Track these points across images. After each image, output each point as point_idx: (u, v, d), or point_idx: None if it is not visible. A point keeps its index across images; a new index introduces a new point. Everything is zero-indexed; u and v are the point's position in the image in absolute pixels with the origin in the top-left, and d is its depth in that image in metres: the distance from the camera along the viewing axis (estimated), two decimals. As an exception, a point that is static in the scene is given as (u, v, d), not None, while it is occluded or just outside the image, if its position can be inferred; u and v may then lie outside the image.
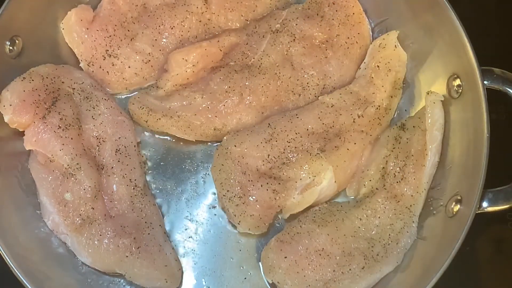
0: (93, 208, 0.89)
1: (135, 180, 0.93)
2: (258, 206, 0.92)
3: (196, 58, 0.97)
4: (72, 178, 0.89)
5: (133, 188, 0.92)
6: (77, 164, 0.89)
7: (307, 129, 0.96)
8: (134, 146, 0.95)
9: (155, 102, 0.97)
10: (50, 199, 0.90)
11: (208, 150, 1.00)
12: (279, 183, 0.93)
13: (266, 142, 0.95)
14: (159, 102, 0.97)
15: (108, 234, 0.89)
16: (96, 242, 0.88)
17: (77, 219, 0.89)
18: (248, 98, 0.98)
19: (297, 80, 1.00)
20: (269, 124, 0.96)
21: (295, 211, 0.94)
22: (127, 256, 0.88)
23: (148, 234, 0.90)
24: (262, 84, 0.98)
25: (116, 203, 0.91)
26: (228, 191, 0.92)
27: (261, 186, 0.92)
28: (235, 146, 0.95)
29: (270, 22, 1.02)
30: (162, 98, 0.98)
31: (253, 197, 0.92)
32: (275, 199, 0.92)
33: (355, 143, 0.96)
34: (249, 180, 0.93)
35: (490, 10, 1.13)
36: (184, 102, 0.97)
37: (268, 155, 0.94)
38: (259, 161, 0.94)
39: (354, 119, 0.97)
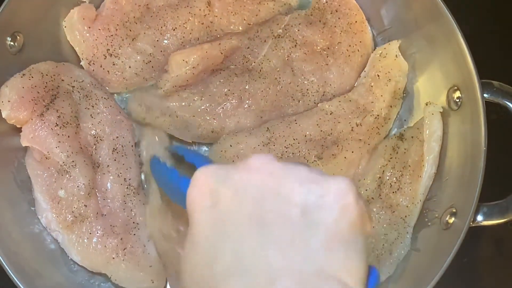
0: (86, 206, 0.89)
1: (129, 179, 0.93)
2: None
3: (197, 60, 0.97)
4: (67, 175, 0.90)
5: (127, 187, 0.92)
6: (73, 161, 0.90)
7: (305, 136, 0.96)
8: (132, 145, 0.95)
9: (154, 100, 0.97)
10: (44, 196, 0.90)
11: (204, 152, 1.00)
12: None
13: (263, 146, 0.94)
14: (158, 100, 0.97)
15: (97, 233, 0.89)
16: (85, 240, 0.89)
17: (69, 216, 0.89)
18: (247, 102, 0.97)
19: (297, 86, 1.00)
20: (267, 128, 0.96)
21: None
22: (113, 258, 0.89)
23: (134, 235, 0.91)
24: (262, 89, 0.98)
25: (109, 201, 0.91)
26: None
27: None
28: (230, 146, 0.95)
29: (272, 27, 1.01)
30: (161, 97, 0.97)
31: None
32: None
33: (352, 152, 0.96)
34: None
35: (491, 23, 1.12)
36: (183, 103, 0.97)
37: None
38: None
39: (352, 127, 0.97)
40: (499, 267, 1.04)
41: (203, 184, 0.55)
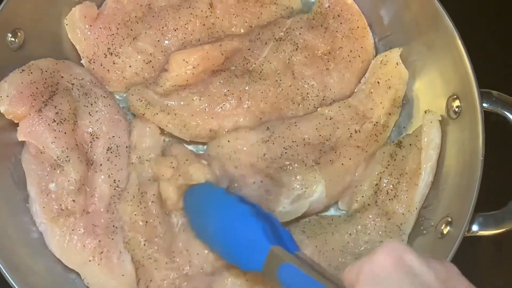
0: (74, 201, 0.90)
1: (118, 181, 0.93)
2: None
3: (197, 60, 0.97)
4: (59, 170, 0.90)
5: (115, 189, 0.92)
6: (67, 157, 0.90)
7: (304, 139, 0.95)
8: (126, 147, 0.95)
9: (154, 96, 0.97)
10: (35, 188, 0.90)
11: (201, 151, 1.00)
12: (274, 184, 0.92)
13: (262, 143, 0.94)
14: (158, 97, 0.97)
15: (79, 230, 0.89)
16: (67, 236, 0.89)
17: (56, 208, 0.89)
18: (247, 102, 0.97)
19: (297, 89, 0.99)
20: (268, 127, 0.96)
21: (282, 220, 0.93)
22: (89, 261, 0.89)
23: (112, 239, 0.90)
24: (262, 90, 0.98)
25: (96, 199, 0.91)
26: None
27: (253, 182, 0.92)
28: (228, 141, 0.94)
29: (273, 29, 1.01)
30: (160, 94, 0.98)
31: (243, 193, 0.91)
32: (266, 199, 0.91)
33: (350, 159, 0.95)
34: (240, 175, 0.92)
35: (492, 32, 1.12)
36: (182, 102, 0.97)
37: (264, 154, 0.94)
38: (254, 157, 0.93)
39: (351, 133, 0.96)
40: (499, 267, 1.04)
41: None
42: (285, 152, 0.94)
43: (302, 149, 0.95)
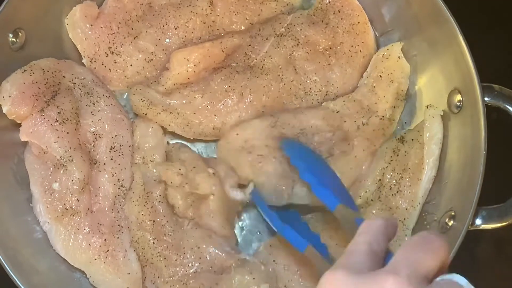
0: (78, 200, 0.90)
1: (123, 180, 0.93)
2: (272, 178, 0.91)
3: (198, 58, 0.97)
4: (63, 169, 0.90)
5: (119, 188, 0.93)
6: (70, 156, 0.90)
7: (311, 127, 0.95)
8: (129, 146, 0.96)
9: (156, 96, 0.97)
10: (38, 188, 0.91)
11: (206, 148, 1.00)
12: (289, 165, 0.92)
13: (271, 127, 0.94)
14: (160, 96, 0.97)
15: (84, 229, 0.89)
16: (72, 235, 0.89)
17: (60, 207, 0.90)
18: (248, 97, 0.97)
19: (300, 84, 0.99)
20: (272, 115, 0.96)
21: (300, 202, 0.93)
22: (95, 259, 0.89)
23: (118, 238, 0.91)
24: (264, 85, 0.98)
25: (100, 198, 0.92)
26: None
27: (274, 157, 0.92)
28: (237, 134, 0.94)
29: (274, 25, 1.01)
30: (162, 94, 0.98)
31: (267, 169, 0.91)
32: (290, 172, 0.91)
33: (363, 150, 0.95)
34: (258, 155, 0.92)
35: (492, 26, 1.12)
36: (184, 101, 0.97)
37: (278, 135, 0.94)
38: (269, 139, 0.93)
39: (358, 125, 0.96)
40: (499, 267, 1.03)
41: None
42: (298, 138, 0.94)
43: (312, 137, 0.94)
